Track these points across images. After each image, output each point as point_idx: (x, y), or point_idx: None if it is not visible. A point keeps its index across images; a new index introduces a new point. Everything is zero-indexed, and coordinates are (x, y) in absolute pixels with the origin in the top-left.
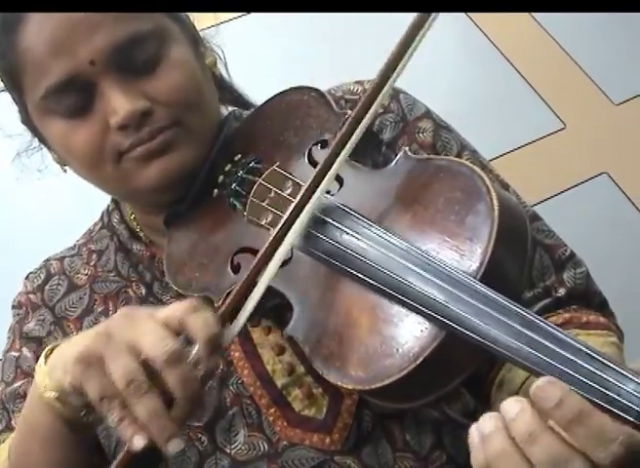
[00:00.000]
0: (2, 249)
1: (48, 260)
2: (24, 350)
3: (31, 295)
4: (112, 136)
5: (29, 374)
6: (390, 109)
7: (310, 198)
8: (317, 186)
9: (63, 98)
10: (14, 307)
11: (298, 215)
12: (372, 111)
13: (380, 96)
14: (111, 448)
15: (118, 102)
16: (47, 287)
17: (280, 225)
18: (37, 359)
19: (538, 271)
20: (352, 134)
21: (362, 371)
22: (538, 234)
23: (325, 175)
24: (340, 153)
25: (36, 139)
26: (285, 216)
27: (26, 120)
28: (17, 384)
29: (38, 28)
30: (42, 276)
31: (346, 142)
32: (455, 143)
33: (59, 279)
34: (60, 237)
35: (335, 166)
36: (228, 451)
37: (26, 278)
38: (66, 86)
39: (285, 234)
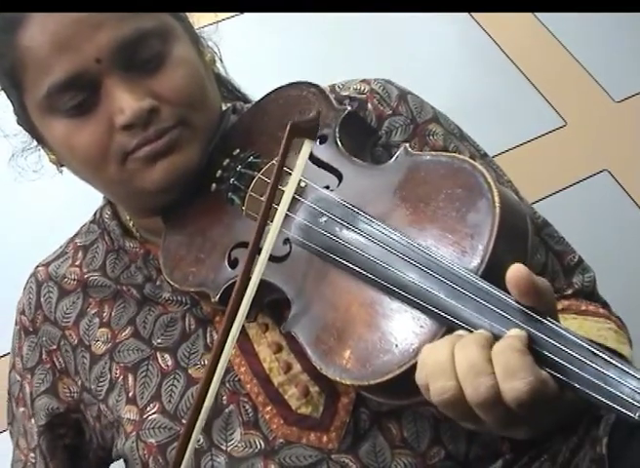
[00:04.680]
0: (2, 248)
1: (37, 267)
2: (25, 384)
3: (23, 317)
4: (117, 135)
5: (27, 405)
6: (399, 112)
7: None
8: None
9: (67, 97)
10: (16, 322)
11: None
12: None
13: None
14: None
15: (124, 101)
16: (42, 299)
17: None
18: (31, 392)
19: (548, 276)
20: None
21: (361, 367)
22: (548, 240)
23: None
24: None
25: (33, 140)
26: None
27: (24, 120)
28: (20, 409)
29: (41, 26)
30: (33, 288)
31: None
32: (465, 151)
33: (47, 286)
34: (59, 236)
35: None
36: (224, 448)
37: (24, 288)
38: (71, 84)
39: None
